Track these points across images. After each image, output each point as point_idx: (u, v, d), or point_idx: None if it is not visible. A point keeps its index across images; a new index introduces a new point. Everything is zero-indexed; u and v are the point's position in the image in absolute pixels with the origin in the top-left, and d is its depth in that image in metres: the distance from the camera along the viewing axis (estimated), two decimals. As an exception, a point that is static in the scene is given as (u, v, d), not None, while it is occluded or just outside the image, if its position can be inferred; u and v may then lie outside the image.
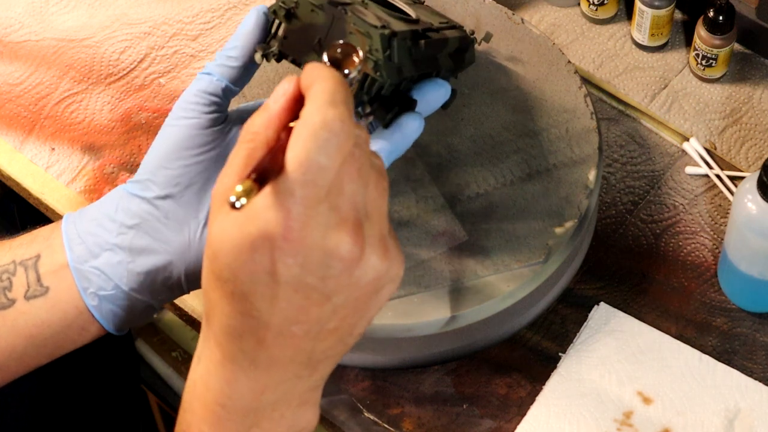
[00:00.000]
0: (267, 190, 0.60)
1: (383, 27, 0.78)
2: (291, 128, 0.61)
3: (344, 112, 0.61)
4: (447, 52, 0.87)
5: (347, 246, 0.61)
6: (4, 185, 1.15)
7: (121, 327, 0.81)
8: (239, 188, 0.58)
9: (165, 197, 0.77)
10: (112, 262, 0.78)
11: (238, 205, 0.58)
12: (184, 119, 0.78)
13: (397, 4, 0.89)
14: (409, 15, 0.88)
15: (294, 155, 0.60)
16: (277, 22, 0.81)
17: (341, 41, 0.66)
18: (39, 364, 0.82)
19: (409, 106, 0.83)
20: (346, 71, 0.67)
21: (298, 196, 0.60)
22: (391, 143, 0.81)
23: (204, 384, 0.67)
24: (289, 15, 0.80)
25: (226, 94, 0.79)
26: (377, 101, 0.81)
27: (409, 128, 0.81)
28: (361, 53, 0.65)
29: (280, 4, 0.80)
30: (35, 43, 1.17)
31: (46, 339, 0.80)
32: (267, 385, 0.65)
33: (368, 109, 0.81)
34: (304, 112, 0.61)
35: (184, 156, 0.77)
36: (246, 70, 0.80)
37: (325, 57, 0.65)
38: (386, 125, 0.82)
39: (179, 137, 0.78)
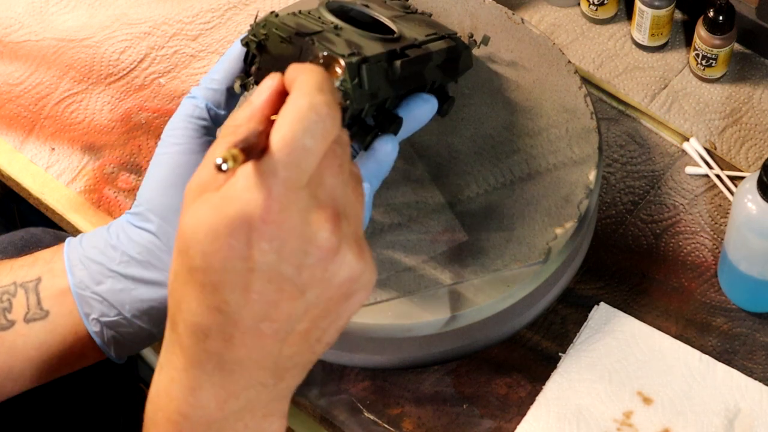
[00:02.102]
0: (248, 170, 0.59)
1: (351, 54, 0.78)
2: (273, 121, 0.61)
3: (331, 99, 0.60)
4: (434, 65, 0.87)
5: (326, 234, 0.60)
6: (4, 185, 1.15)
7: (122, 353, 0.81)
8: (226, 152, 0.57)
9: (165, 226, 0.77)
10: (115, 289, 0.78)
11: (224, 167, 0.57)
12: (173, 146, 0.78)
13: (381, 20, 0.89)
14: (391, 32, 0.88)
15: (279, 136, 0.59)
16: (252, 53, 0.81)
17: (325, 53, 0.65)
18: (35, 385, 0.82)
19: (394, 124, 0.83)
20: None
21: (280, 177, 0.59)
22: (365, 169, 0.80)
23: (167, 394, 0.65)
24: (261, 47, 0.80)
25: (214, 117, 0.79)
26: (357, 124, 0.81)
27: (382, 152, 0.81)
28: (343, 63, 0.65)
29: (251, 36, 0.80)
30: (35, 43, 1.17)
31: (44, 362, 0.80)
32: (231, 392, 0.64)
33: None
34: (291, 97, 0.60)
35: (179, 183, 0.77)
36: (231, 94, 0.80)
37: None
38: (366, 147, 0.82)
39: (171, 164, 0.78)
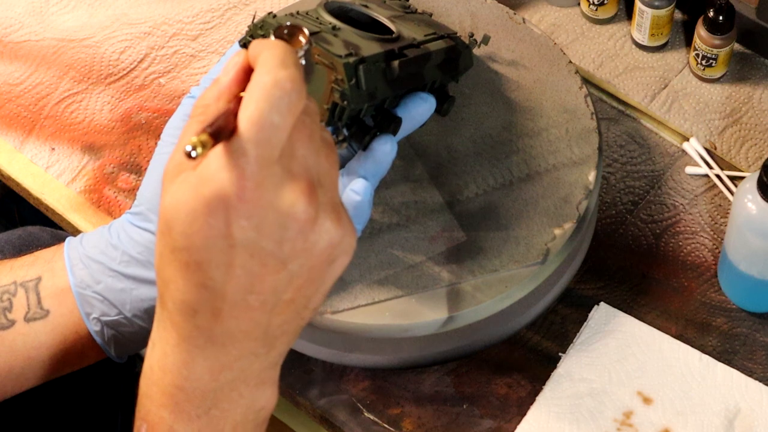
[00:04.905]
0: (220, 150, 0.59)
1: (348, 55, 0.78)
2: (241, 98, 0.61)
3: (294, 73, 0.61)
4: (433, 64, 0.87)
5: (302, 206, 0.61)
6: (4, 185, 1.15)
7: (122, 353, 0.81)
8: (194, 139, 0.57)
9: None
10: (116, 288, 0.78)
11: (194, 154, 0.57)
12: (173, 145, 0.78)
13: (380, 20, 0.89)
14: (390, 32, 0.87)
15: (247, 115, 0.59)
16: None
17: (288, 23, 0.66)
18: (35, 385, 0.82)
19: (393, 124, 0.83)
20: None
21: (251, 155, 0.59)
22: (363, 168, 0.80)
23: (161, 368, 0.66)
24: None
25: None
26: (355, 125, 0.82)
27: (380, 152, 0.81)
28: (306, 31, 0.65)
29: (248, 38, 0.81)
30: (35, 43, 1.17)
31: (44, 361, 0.80)
32: (224, 363, 0.65)
33: (341, 137, 0.81)
34: (255, 75, 0.61)
35: None
36: None
37: (272, 37, 0.65)
38: (364, 148, 0.82)
39: None
